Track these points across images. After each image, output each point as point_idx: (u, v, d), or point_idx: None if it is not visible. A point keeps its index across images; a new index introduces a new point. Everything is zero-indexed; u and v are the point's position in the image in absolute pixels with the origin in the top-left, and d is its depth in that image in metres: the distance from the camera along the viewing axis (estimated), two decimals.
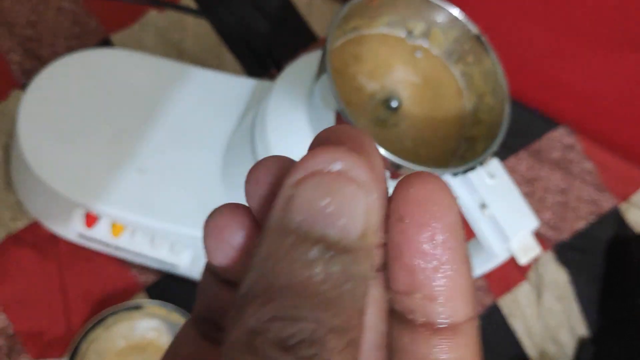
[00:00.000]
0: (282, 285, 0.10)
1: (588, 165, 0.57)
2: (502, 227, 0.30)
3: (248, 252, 0.13)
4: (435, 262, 0.12)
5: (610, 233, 0.56)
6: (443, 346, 0.12)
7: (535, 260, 0.54)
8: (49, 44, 0.49)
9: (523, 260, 0.31)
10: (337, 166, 0.11)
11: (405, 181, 0.12)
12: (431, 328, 0.12)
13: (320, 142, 0.12)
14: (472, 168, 0.30)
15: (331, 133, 0.12)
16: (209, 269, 0.15)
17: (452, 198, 0.12)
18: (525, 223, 0.30)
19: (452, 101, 0.34)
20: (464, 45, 0.34)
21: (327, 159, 0.11)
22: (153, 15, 0.51)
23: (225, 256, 0.13)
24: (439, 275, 0.12)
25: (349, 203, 0.11)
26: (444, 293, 0.12)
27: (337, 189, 0.11)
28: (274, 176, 0.12)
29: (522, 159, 0.56)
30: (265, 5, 0.53)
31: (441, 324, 0.12)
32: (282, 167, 0.12)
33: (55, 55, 0.47)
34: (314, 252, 0.11)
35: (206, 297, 0.15)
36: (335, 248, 0.11)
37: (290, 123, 0.35)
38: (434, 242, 0.12)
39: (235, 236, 0.13)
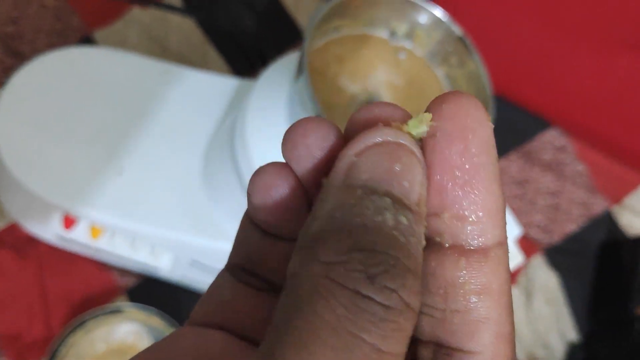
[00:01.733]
0: (357, 224, 0.11)
1: (580, 167, 0.56)
2: None
3: (291, 206, 0.14)
4: (466, 177, 0.12)
5: (601, 236, 0.55)
6: (472, 270, 0.12)
7: (525, 264, 0.53)
8: (31, 40, 0.48)
9: None
10: (400, 139, 0.12)
11: (439, 99, 0.12)
12: (460, 250, 0.12)
13: (369, 117, 0.13)
14: None
15: (377, 110, 0.13)
16: (250, 221, 0.15)
17: (486, 114, 0.12)
18: (508, 231, 0.30)
19: None
20: (447, 47, 0.33)
21: (391, 134, 0.12)
22: (137, 12, 0.50)
23: (270, 211, 0.14)
24: (469, 192, 0.12)
25: (411, 170, 0.12)
26: (474, 212, 0.12)
27: (402, 155, 0.12)
28: (321, 139, 0.13)
29: (513, 161, 0.55)
30: (251, 2, 0.52)
31: (470, 246, 0.12)
32: (327, 131, 0.13)
33: (36, 52, 0.47)
34: (385, 202, 0.11)
35: (245, 247, 0.16)
36: (400, 203, 0.11)
37: (269, 124, 0.34)
38: (465, 156, 0.12)
39: (280, 192, 0.14)
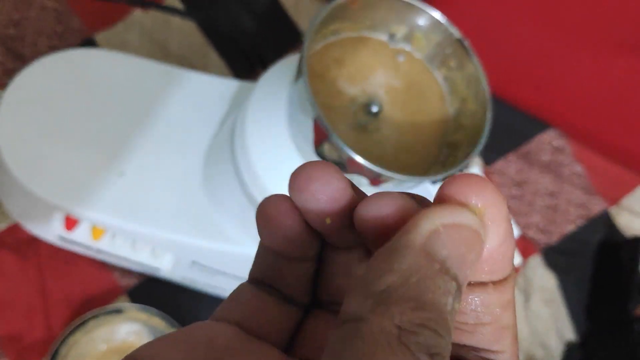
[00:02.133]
0: (427, 301, 0.13)
1: (578, 168, 0.56)
2: None
3: (298, 237, 0.16)
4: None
5: (599, 237, 0.56)
6: (499, 293, 0.15)
7: (523, 264, 0.53)
8: (32, 43, 0.48)
9: None
10: (479, 229, 0.14)
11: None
12: (491, 283, 0.15)
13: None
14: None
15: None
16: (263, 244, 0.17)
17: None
18: None
19: (434, 106, 0.34)
20: (446, 50, 0.33)
21: (474, 220, 0.14)
22: (138, 15, 0.50)
23: (278, 241, 0.17)
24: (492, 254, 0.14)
25: (476, 261, 0.14)
26: (494, 262, 0.15)
27: (477, 247, 0.14)
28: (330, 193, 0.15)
29: (512, 162, 0.55)
30: (252, 5, 0.52)
31: (499, 278, 0.15)
32: (331, 177, 0.15)
33: (37, 54, 0.47)
34: (452, 286, 0.13)
35: (262, 264, 0.18)
36: (459, 289, 0.13)
37: (269, 127, 0.34)
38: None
39: (288, 221, 0.16)
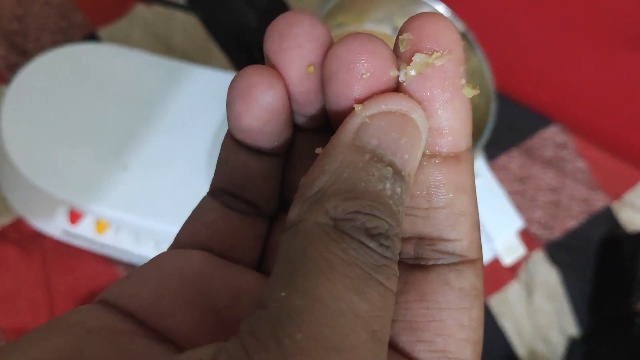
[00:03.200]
0: (361, 189, 0.12)
1: (581, 163, 0.56)
2: (485, 228, 0.30)
3: (277, 113, 0.15)
4: (445, 97, 0.14)
5: (602, 232, 0.56)
6: (449, 172, 0.14)
7: (526, 259, 0.54)
8: (35, 38, 0.48)
9: (507, 260, 0.30)
10: (410, 112, 0.13)
11: (416, 21, 0.14)
12: (438, 157, 0.14)
13: (351, 56, 0.14)
14: None
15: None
16: (233, 139, 0.16)
17: (458, 36, 0.14)
18: (509, 223, 0.30)
19: None
20: None
21: (404, 104, 0.13)
22: (141, 10, 0.50)
23: (254, 117, 0.15)
24: (446, 110, 0.14)
25: (414, 144, 0.13)
26: (448, 125, 0.14)
27: (409, 129, 0.13)
28: (313, 41, 0.14)
29: (514, 157, 0.55)
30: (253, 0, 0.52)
31: (447, 153, 0.14)
32: (314, 23, 0.14)
33: (41, 49, 0.47)
34: (387, 171, 0.13)
35: (228, 168, 0.16)
36: (398, 175, 0.13)
37: None
38: (447, 81, 0.14)
39: (265, 96, 0.14)
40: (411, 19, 0.14)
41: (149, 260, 0.16)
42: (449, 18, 0.14)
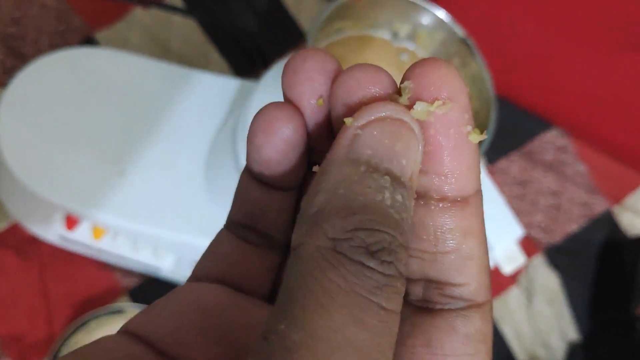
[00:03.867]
0: (359, 204, 0.12)
1: (581, 167, 0.56)
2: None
3: (294, 148, 0.15)
4: (450, 144, 0.14)
5: (602, 236, 0.55)
6: (457, 216, 0.14)
7: (526, 264, 0.53)
8: (32, 41, 0.48)
9: (507, 269, 0.30)
10: (401, 116, 0.13)
11: (418, 68, 0.14)
12: (445, 201, 0.14)
13: (354, 86, 0.14)
14: None
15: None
16: (250, 173, 0.16)
17: (463, 83, 0.14)
18: (509, 232, 0.30)
19: None
20: (450, 48, 0.33)
21: (393, 109, 0.13)
22: (139, 13, 0.50)
23: (274, 149, 0.15)
24: (454, 156, 0.14)
25: (410, 148, 0.13)
26: (456, 170, 0.14)
27: (403, 133, 0.13)
28: (326, 76, 0.14)
29: (514, 161, 0.55)
30: (253, 3, 0.52)
31: (454, 197, 0.14)
32: (331, 69, 0.14)
33: (38, 53, 0.47)
34: (384, 180, 0.13)
35: (245, 202, 0.17)
36: (397, 182, 0.13)
37: None
38: (451, 127, 0.14)
39: (284, 129, 0.15)
40: (413, 66, 0.14)
41: (169, 293, 0.16)
42: (452, 65, 0.14)
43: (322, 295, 0.12)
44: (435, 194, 0.14)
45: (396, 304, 0.12)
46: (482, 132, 0.14)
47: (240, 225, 0.17)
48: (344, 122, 0.13)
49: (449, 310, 0.14)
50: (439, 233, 0.14)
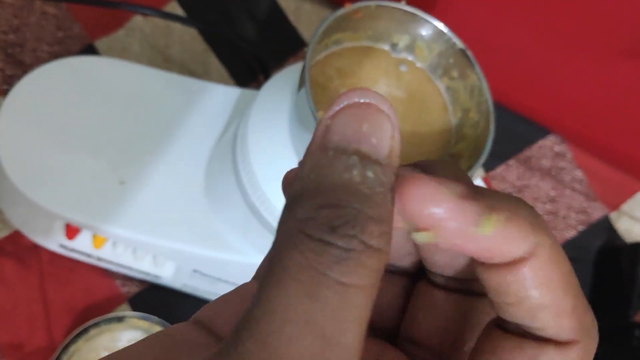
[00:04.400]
0: (327, 185, 0.13)
1: (578, 173, 0.56)
2: None
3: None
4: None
5: (600, 243, 0.56)
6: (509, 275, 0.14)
7: None
8: (32, 49, 0.48)
9: None
10: (367, 99, 0.13)
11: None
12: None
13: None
14: None
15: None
16: None
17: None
18: None
19: (437, 116, 0.34)
20: (449, 59, 0.33)
21: (359, 95, 0.14)
22: (138, 21, 0.50)
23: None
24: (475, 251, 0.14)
25: (379, 127, 0.13)
26: (494, 253, 0.14)
27: (369, 114, 0.13)
28: None
29: (512, 167, 0.55)
30: (253, 11, 0.52)
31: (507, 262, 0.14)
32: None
33: (37, 61, 0.47)
34: (352, 160, 0.13)
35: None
36: (367, 159, 0.13)
37: (271, 136, 0.34)
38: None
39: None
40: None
41: (237, 287, 0.17)
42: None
43: (280, 272, 0.12)
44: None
45: (360, 278, 0.12)
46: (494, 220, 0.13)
47: None
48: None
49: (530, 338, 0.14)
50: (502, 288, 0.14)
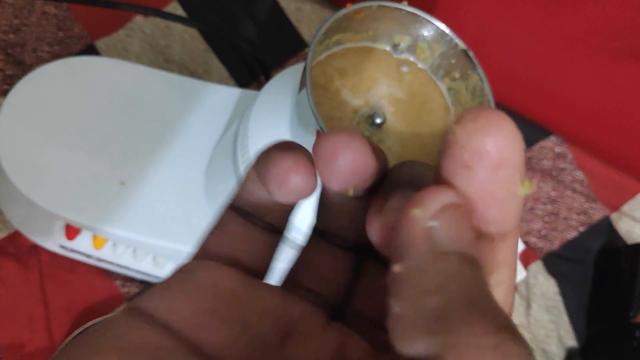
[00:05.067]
0: (479, 297, 0.12)
1: (579, 174, 0.56)
2: None
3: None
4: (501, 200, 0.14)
5: (601, 243, 0.56)
6: (492, 249, 0.14)
7: (525, 270, 0.53)
8: (32, 49, 0.48)
9: None
10: (460, 200, 0.13)
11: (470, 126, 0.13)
12: (483, 237, 0.14)
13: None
14: None
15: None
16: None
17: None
18: None
19: (438, 117, 0.34)
20: (450, 60, 0.33)
21: (454, 195, 0.13)
22: (139, 21, 0.50)
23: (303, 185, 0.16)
24: (499, 209, 0.14)
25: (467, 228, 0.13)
26: (499, 219, 0.14)
27: (466, 222, 0.13)
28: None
29: None
30: (254, 12, 0.52)
31: (493, 234, 0.14)
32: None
33: (38, 61, 0.47)
34: (476, 266, 0.13)
35: (251, 197, 0.17)
36: (471, 259, 0.13)
37: (272, 137, 0.34)
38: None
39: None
40: (466, 118, 0.14)
41: (179, 268, 0.16)
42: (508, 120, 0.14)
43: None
44: (476, 232, 0.14)
45: None
46: (529, 184, 0.13)
47: (245, 212, 0.18)
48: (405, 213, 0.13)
49: None
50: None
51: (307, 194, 0.16)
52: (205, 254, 0.17)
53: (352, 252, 0.18)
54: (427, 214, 0.13)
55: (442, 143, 0.14)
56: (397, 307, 0.12)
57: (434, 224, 0.13)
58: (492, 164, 0.13)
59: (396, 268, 0.13)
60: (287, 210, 0.18)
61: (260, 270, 0.18)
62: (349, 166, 0.15)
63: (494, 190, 0.13)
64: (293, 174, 0.15)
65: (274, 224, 0.18)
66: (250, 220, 0.17)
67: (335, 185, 0.15)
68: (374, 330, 0.17)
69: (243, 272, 0.17)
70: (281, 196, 0.16)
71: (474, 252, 0.13)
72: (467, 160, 0.13)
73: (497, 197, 0.13)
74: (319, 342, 0.16)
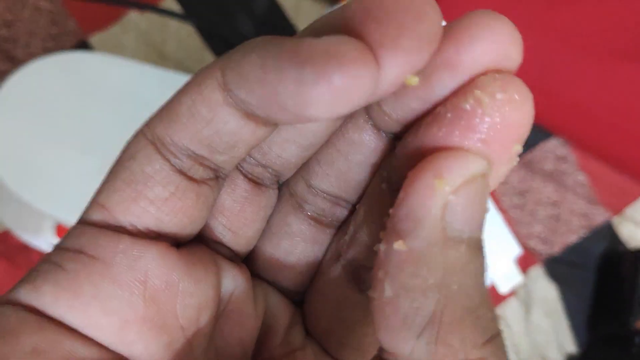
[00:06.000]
0: (479, 303, 0.11)
1: (581, 177, 0.55)
2: None
3: None
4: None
5: (602, 247, 0.55)
6: None
7: (524, 274, 0.53)
8: (25, 44, 0.47)
9: (503, 289, 0.29)
10: (487, 169, 0.12)
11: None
12: None
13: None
14: None
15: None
16: (230, 104, 0.14)
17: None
18: (507, 251, 0.29)
19: None
20: None
21: (478, 161, 0.11)
22: (134, 17, 0.49)
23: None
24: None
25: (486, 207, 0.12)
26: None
27: (488, 195, 0.12)
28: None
29: (514, 170, 0.55)
30: (251, 8, 0.51)
31: None
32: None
33: (30, 56, 0.46)
34: (483, 259, 0.12)
35: (210, 127, 0.14)
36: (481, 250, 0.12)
37: None
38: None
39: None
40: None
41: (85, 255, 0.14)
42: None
43: None
44: None
45: None
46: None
47: (189, 153, 0.14)
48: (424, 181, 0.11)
49: None
50: None
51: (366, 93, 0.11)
52: (130, 228, 0.14)
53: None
54: (449, 187, 0.11)
55: (451, 108, 0.12)
56: (389, 289, 0.11)
57: (450, 198, 0.11)
58: (512, 140, 0.12)
59: (398, 245, 0.11)
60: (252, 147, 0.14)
61: (193, 232, 0.14)
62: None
63: (499, 167, 0.12)
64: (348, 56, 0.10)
65: (221, 168, 0.14)
66: (185, 169, 0.13)
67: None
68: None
69: (175, 249, 0.14)
70: (313, 106, 0.11)
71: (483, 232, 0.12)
72: (486, 136, 0.12)
73: (499, 174, 0.12)
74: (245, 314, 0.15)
